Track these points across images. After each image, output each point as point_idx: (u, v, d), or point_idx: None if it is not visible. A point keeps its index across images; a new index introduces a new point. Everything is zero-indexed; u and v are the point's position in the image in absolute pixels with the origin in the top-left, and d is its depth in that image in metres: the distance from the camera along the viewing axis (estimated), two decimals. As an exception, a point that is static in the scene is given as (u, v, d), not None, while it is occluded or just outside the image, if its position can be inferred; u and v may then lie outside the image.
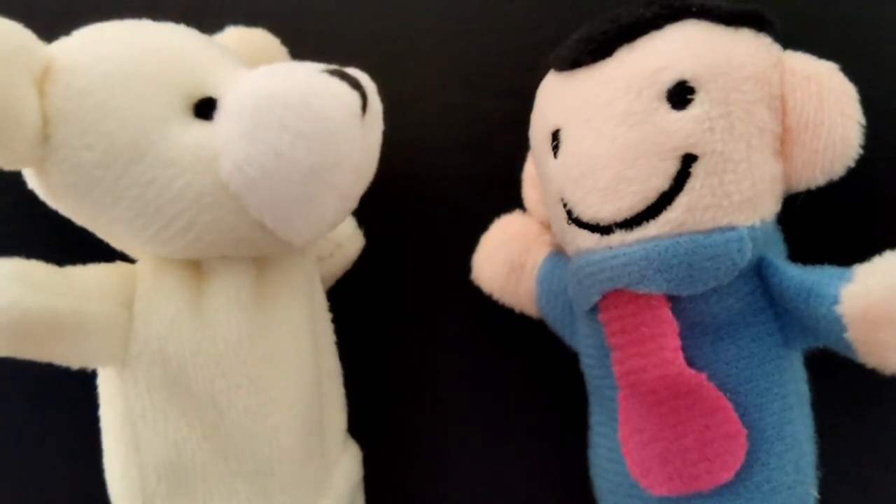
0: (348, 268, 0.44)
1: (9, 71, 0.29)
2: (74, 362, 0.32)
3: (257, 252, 0.34)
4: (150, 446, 0.33)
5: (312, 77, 0.31)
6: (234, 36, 0.41)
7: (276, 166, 0.30)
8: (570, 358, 0.39)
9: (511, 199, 0.43)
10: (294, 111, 0.30)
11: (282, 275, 0.36)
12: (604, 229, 0.33)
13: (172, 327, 0.32)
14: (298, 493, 0.35)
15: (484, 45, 0.45)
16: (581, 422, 0.39)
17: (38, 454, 0.46)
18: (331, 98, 0.31)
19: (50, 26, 0.33)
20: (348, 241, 0.43)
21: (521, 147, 0.39)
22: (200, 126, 0.31)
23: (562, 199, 0.35)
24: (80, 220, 0.33)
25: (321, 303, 0.39)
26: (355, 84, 0.32)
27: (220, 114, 0.31)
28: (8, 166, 0.31)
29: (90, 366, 0.33)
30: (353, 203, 0.35)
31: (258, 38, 0.41)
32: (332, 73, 0.32)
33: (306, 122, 0.30)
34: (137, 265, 0.34)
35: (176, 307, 0.32)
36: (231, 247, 0.33)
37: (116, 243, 0.35)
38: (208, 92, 0.32)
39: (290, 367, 0.35)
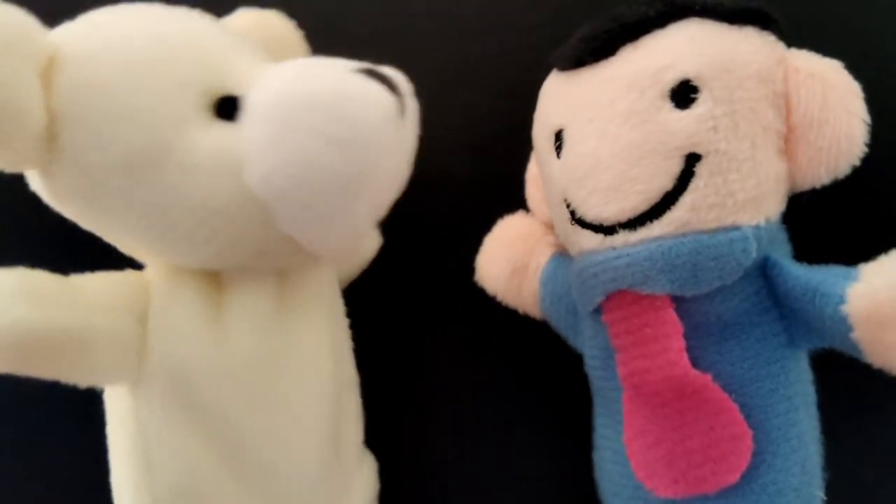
0: (364, 267, 0.43)
1: (9, 62, 0.26)
2: (83, 380, 0.29)
3: (281, 264, 0.32)
4: (163, 468, 0.30)
5: (346, 77, 0.29)
6: (247, 19, 0.37)
7: (308, 175, 0.28)
8: (573, 358, 0.39)
9: (511, 199, 0.43)
10: (327, 115, 0.28)
11: (304, 285, 0.33)
12: (607, 230, 0.33)
13: (190, 344, 0.30)
14: None
15: (484, 45, 0.45)
16: (586, 424, 0.39)
17: (44, 472, 0.45)
18: (367, 101, 0.29)
19: (52, 11, 0.30)
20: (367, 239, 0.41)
21: (521, 147, 0.39)
22: (222, 127, 0.29)
23: (565, 200, 0.35)
24: (85, 223, 0.32)
25: (340, 311, 0.37)
26: (392, 86, 0.30)
27: (245, 115, 0.29)
28: (11, 168, 0.29)
29: (100, 384, 0.31)
30: (383, 212, 0.32)
31: (273, 22, 0.38)
32: (368, 73, 0.29)
33: (340, 127, 0.28)
34: (150, 273, 0.32)
35: (193, 322, 0.30)
36: (254, 259, 0.31)
37: (125, 249, 0.33)
38: (229, 89, 0.29)
39: (312, 385, 0.33)
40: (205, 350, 0.30)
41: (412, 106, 0.32)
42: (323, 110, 0.28)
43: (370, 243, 0.42)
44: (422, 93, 0.45)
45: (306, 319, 0.33)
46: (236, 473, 0.31)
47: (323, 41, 0.45)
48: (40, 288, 0.27)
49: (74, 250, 0.32)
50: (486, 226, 0.42)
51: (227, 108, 0.29)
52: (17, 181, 0.32)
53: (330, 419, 0.34)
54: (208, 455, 0.31)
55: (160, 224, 0.29)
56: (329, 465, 0.34)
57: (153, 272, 0.32)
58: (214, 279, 0.32)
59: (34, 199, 0.32)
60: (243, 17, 0.37)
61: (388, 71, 0.31)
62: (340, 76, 0.29)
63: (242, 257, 0.31)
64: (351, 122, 0.28)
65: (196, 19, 0.31)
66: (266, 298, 0.32)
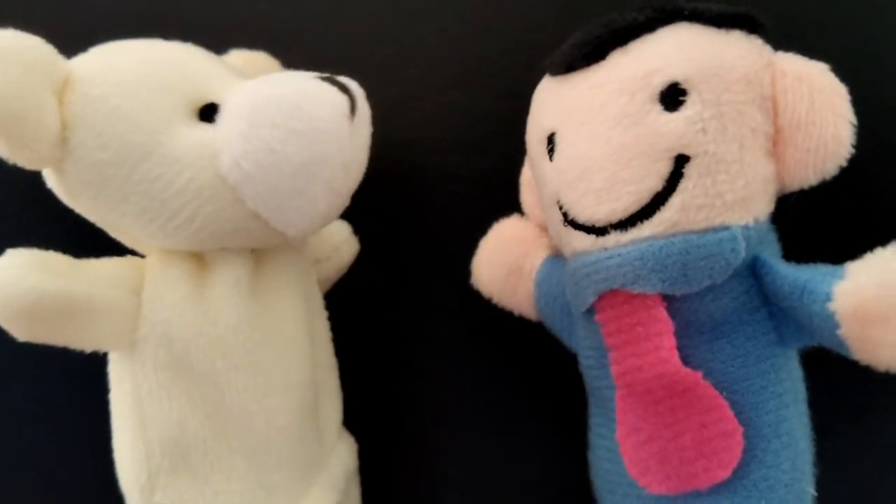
0: (344, 271, 0.45)
1: (31, 79, 0.32)
2: (87, 345, 0.34)
3: (255, 242, 0.37)
4: (155, 423, 0.35)
5: (304, 82, 0.34)
6: (239, 57, 0.44)
7: (270, 161, 0.33)
8: (568, 358, 0.39)
9: (511, 200, 0.43)
10: (286, 111, 0.33)
11: (278, 268, 0.38)
12: (599, 230, 0.33)
13: (177, 312, 0.34)
14: (294, 472, 0.37)
15: (484, 45, 0.45)
16: (581, 423, 0.39)
17: (58, 437, 0.47)
18: (320, 100, 0.34)
19: (70, 47, 0.35)
20: (344, 244, 0.45)
21: (521, 147, 0.39)
22: (203, 128, 0.34)
23: (557, 202, 0.35)
24: (93, 217, 0.36)
25: (317, 300, 0.41)
26: (344, 88, 0.35)
27: (221, 116, 0.34)
28: (30, 165, 0.34)
29: (101, 348, 0.35)
30: (345, 199, 0.37)
31: (260, 60, 0.44)
32: (324, 78, 0.34)
33: (297, 120, 0.33)
34: (146, 258, 0.36)
35: (180, 293, 0.34)
36: (230, 237, 0.35)
37: (127, 240, 0.38)
38: (211, 98, 0.35)
39: (287, 353, 0.37)
40: (190, 318, 0.34)
41: (364, 107, 0.36)
42: (282, 107, 0.33)
43: (349, 247, 0.45)
44: (422, 93, 0.45)
45: (280, 297, 0.37)
46: (220, 429, 0.36)
47: (324, 40, 0.46)
48: (50, 262, 0.32)
49: (83, 245, 0.36)
50: (485, 226, 0.42)
51: (208, 113, 0.35)
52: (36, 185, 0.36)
53: (305, 388, 0.38)
54: (195, 412, 0.35)
55: (152, 208, 0.34)
56: (306, 432, 0.38)
57: (149, 258, 0.36)
58: (199, 260, 0.36)
59: (51, 201, 0.36)
60: (236, 57, 0.44)
61: (342, 78, 0.36)
62: (299, 80, 0.34)
63: (220, 235, 0.35)
64: (306, 116, 0.33)
65: (187, 47, 0.37)
66: (244, 276, 0.36)
